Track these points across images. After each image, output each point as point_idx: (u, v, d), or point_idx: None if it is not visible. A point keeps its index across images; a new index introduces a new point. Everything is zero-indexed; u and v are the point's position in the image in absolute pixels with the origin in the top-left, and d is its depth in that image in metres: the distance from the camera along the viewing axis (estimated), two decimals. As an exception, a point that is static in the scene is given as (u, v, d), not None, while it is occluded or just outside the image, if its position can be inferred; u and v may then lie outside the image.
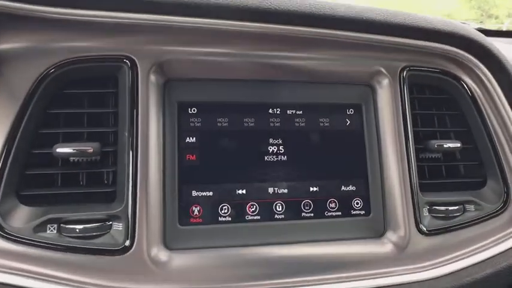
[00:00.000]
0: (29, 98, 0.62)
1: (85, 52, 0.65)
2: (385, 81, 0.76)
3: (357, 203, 0.73)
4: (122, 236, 0.62)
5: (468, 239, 0.75)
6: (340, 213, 0.72)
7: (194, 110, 0.70)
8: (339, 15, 0.68)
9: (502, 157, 0.79)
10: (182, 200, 0.67)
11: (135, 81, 0.66)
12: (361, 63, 0.75)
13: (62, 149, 0.63)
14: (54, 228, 0.61)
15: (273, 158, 0.72)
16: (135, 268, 0.62)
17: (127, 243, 0.62)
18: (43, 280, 0.59)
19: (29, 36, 0.63)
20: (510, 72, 0.75)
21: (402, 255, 0.71)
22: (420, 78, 0.79)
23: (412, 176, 0.74)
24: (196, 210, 0.68)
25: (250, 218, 0.69)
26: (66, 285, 0.60)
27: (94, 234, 0.62)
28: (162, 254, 0.64)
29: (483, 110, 0.79)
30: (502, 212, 0.78)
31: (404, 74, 0.77)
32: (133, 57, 0.66)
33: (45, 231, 0.61)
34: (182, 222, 0.67)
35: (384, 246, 0.71)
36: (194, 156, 0.69)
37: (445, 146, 0.78)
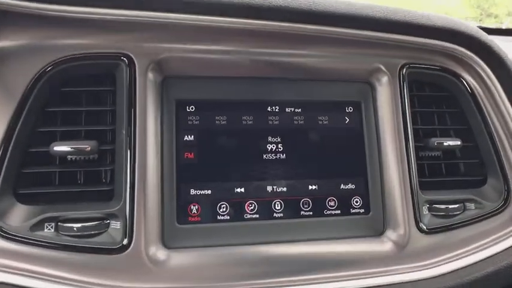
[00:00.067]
0: (26, 96, 0.62)
1: (82, 50, 0.64)
2: (385, 79, 0.76)
3: (356, 202, 0.73)
4: (120, 234, 0.62)
5: (468, 237, 0.75)
6: (339, 211, 0.72)
7: (192, 108, 0.70)
8: (338, 12, 0.67)
9: (502, 155, 0.78)
10: (180, 199, 0.67)
11: (133, 79, 0.65)
12: (360, 60, 0.75)
13: (60, 147, 0.62)
14: (51, 227, 0.61)
15: (272, 156, 0.71)
16: (133, 267, 0.61)
17: (125, 242, 0.61)
18: (40, 279, 0.59)
19: (25, 34, 0.62)
20: (510, 68, 0.75)
21: (402, 253, 0.71)
22: (420, 75, 0.79)
23: (411, 174, 0.73)
24: (194, 209, 0.67)
25: (248, 216, 0.69)
26: (64, 284, 0.59)
27: (92, 232, 0.61)
28: (160, 253, 0.63)
29: (483, 107, 0.79)
30: (503, 210, 0.77)
31: (404, 71, 0.76)
32: (131, 54, 0.65)
33: (43, 229, 0.61)
34: (180, 221, 0.66)
35: (383, 245, 0.71)
36: (192, 154, 0.69)
37: (445, 144, 0.77)
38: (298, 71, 0.74)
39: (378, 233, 0.73)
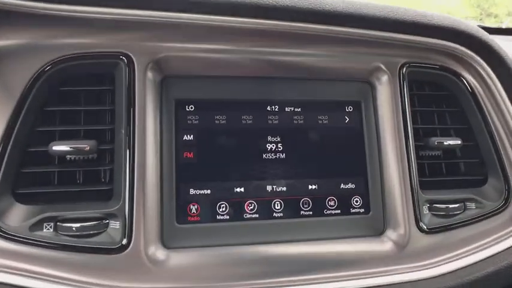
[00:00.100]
0: (24, 95, 0.62)
1: (81, 49, 0.64)
2: (385, 78, 0.75)
3: (356, 201, 0.73)
4: (119, 234, 0.62)
5: (469, 237, 0.75)
6: (339, 211, 0.72)
7: (192, 108, 0.70)
8: (338, 11, 0.67)
9: (503, 154, 0.78)
10: (180, 198, 0.67)
11: (132, 79, 0.65)
12: (360, 59, 0.75)
13: (58, 147, 0.62)
14: (50, 227, 0.61)
15: (272, 156, 0.71)
16: (133, 267, 0.61)
17: (124, 241, 0.61)
18: (39, 279, 0.59)
19: (24, 33, 0.62)
20: (510, 67, 0.74)
21: (402, 253, 0.71)
22: (420, 74, 0.79)
23: (412, 173, 0.73)
24: (194, 209, 0.67)
25: (248, 216, 0.68)
26: (63, 284, 0.59)
27: (91, 232, 0.61)
28: (160, 253, 0.63)
29: (483, 106, 0.78)
30: (503, 210, 0.77)
31: (404, 70, 0.76)
32: (130, 54, 0.65)
33: (42, 229, 0.60)
34: (180, 221, 0.66)
35: (383, 245, 0.71)
36: (192, 154, 0.68)
37: (445, 143, 0.77)
38: (297, 70, 0.74)
39: (378, 232, 0.73)
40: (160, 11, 0.62)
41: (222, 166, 0.69)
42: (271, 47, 0.71)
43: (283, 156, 0.71)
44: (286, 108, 0.73)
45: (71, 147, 0.62)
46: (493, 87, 0.77)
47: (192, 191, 0.67)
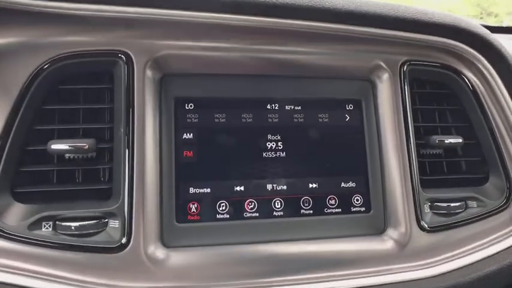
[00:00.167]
0: (23, 93, 0.61)
1: (79, 47, 0.64)
2: (385, 76, 0.75)
3: (357, 200, 0.73)
4: (118, 233, 0.61)
5: (470, 236, 0.74)
6: (340, 210, 0.71)
7: (191, 106, 0.69)
8: (338, 8, 0.67)
9: (504, 152, 0.78)
10: (179, 197, 0.66)
11: (131, 77, 0.65)
12: (360, 57, 0.75)
13: (57, 146, 0.62)
14: (49, 226, 0.60)
15: (272, 154, 0.71)
16: (132, 266, 0.61)
17: (123, 240, 0.61)
18: (38, 278, 0.58)
19: (22, 31, 0.62)
20: (510, 62, 0.74)
21: (403, 252, 0.70)
22: (421, 72, 0.78)
23: (413, 172, 0.73)
24: (193, 208, 0.67)
25: (248, 215, 0.68)
26: (62, 283, 0.59)
27: (90, 231, 0.61)
28: (159, 252, 0.63)
29: (485, 104, 0.78)
30: (505, 209, 0.77)
31: (405, 68, 0.76)
32: (128, 52, 0.65)
33: (41, 228, 0.60)
34: (179, 220, 0.66)
35: (384, 244, 0.71)
36: (191, 152, 0.68)
37: (446, 141, 0.77)
38: (297, 69, 0.73)
39: (379, 231, 0.72)
40: (159, 9, 0.62)
41: (222, 165, 0.69)
42: (271, 45, 0.71)
43: (283, 154, 0.71)
44: (287, 107, 0.73)
45: (69, 146, 0.62)
46: (494, 85, 0.77)
47: (191, 190, 0.67)
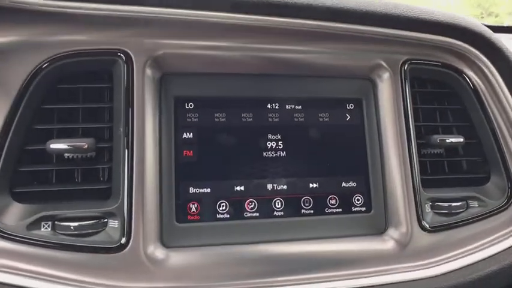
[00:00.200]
0: (21, 93, 0.61)
1: (79, 46, 0.63)
2: (386, 75, 0.75)
3: (358, 200, 0.72)
4: (118, 233, 0.61)
5: (471, 235, 0.74)
6: (340, 209, 0.71)
7: (191, 105, 0.69)
8: (338, 7, 0.67)
9: (506, 152, 0.77)
10: (179, 197, 0.66)
11: (130, 76, 0.64)
12: (361, 56, 0.74)
13: (56, 145, 0.62)
14: (48, 226, 0.60)
15: (272, 154, 0.70)
16: (131, 266, 0.61)
17: (123, 240, 0.61)
18: (37, 278, 0.58)
19: (21, 30, 0.62)
20: (511, 60, 0.74)
21: (404, 252, 0.70)
22: (421, 71, 0.78)
23: (414, 171, 0.73)
24: (193, 207, 0.66)
25: (248, 215, 0.68)
26: (61, 283, 0.59)
27: (89, 231, 0.61)
28: (159, 252, 0.62)
29: (486, 103, 0.78)
30: (506, 208, 0.76)
31: (406, 67, 0.75)
32: (128, 51, 0.65)
33: (39, 228, 0.60)
34: (179, 220, 0.65)
35: (385, 243, 0.70)
36: (191, 152, 0.68)
37: (447, 141, 0.77)
38: (298, 68, 0.73)
39: (380, 231, 0.72)
40: (159, 7, 0.62)
41: (222, 164, 0.68)
42: (271, 44, 0.70)
43: (283, 154, 0.71)
44: (287, 106, 0.72)
45: (69, 146, 0.62)
46: (495, 84, 0.77)
47: (191, 190, 0.67)
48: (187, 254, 0.63)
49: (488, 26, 0.77)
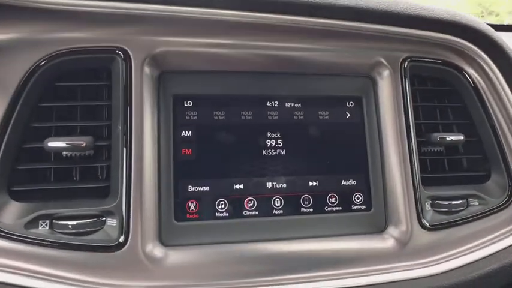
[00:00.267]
0: (19, 90, 0.61)
1: (77, 43, 0.63)
2: (386, 73, 0.74)
3: (358, 198, 0.72)
4: (116, 232, 0.61)
5: (472, 234, 0.74)
6: (340, 208, 0.71)
7: (190, 103, 0.69)
8: (338, 4, 0.66)
9: (506, 150, 0.77)
10: (178, 195, 0.66)
11: (129, 74, 0.64)
12: (361, 54, 0.74)
13: (54, 143, 0.61)
14: (46, 225, 0.60)
15: (271, 152, 0.70)
16: (130, 265, 0.60)
17: (121, 239, 0.60)
18: (35, 277, 0.58)
19: (18, 27, 0.61)
20: (511, 57, 0.74)
21: (404, 250, 0.70)
22: (422, 69, 0.78)
23: (414, 169, 0.72)
24: (192, 206, 0.66)
25: (248, 213, 0.68)
26: (59, 282, 0.58)
27: (87, 230, 0.60)
28: (158, 251, 0.62)
29: (486, 101, 0.78)
30: (507, 207, 0.76)
31: (406, 65, 0.75)
32: (126, 48, 0.64)
33: (37, 227, 0.59)
34: (178, 218, 0.65)
35: (385, 242, 0.70)
36: (190, 150, 0.67)
37: (447, 139, 0.76)
38: (297, 65, 0.73)
39: (380, 229, 0.72)
40: (157, 4, 0.62)
41: (221, 162, 0.68)
42: (271, 42, 0.70)
43: (283, 152, 0.70)
44: (286, 104, 0.72)
45: (67, 144, 0.61)
46: (495, 81, 0.76)
47: (190, 188, 0.66)
48: (186, 253, 0.63)
49: (489, 25, 0.77)
